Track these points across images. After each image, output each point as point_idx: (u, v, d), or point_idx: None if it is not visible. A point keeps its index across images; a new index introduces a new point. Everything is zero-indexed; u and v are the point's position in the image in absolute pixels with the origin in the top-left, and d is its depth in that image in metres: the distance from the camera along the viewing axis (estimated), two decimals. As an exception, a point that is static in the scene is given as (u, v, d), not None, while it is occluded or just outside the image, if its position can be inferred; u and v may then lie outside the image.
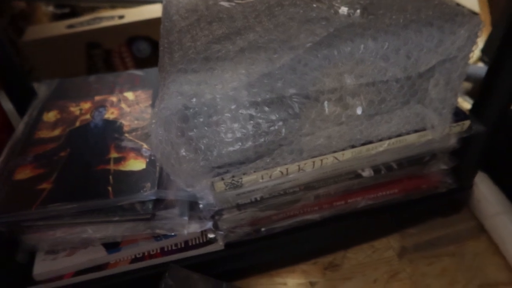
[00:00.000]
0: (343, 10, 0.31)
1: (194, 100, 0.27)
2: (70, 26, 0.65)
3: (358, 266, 0.46)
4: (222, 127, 0.30)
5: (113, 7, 0.86)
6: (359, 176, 0.42)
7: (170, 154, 0.29)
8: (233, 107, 0.30)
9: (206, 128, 0.30)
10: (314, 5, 0.32)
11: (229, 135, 0.31)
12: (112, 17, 0.66)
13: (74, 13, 0.86)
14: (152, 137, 0.29)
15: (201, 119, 0.30)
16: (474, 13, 0.33)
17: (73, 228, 0.38)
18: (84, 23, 0.65)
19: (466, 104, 0.63)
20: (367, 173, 0.42)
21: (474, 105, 0.43)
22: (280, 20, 0.29)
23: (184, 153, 0.30)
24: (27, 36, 0.64)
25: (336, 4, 0.31)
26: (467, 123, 0.41)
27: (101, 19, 0.66)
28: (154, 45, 0.67)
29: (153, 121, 0.28)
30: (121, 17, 0.66)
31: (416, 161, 0.44)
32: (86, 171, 0.41)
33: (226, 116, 0.30)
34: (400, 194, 0.46)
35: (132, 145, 0.44)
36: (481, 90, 0.41)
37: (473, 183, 0.49)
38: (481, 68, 0.64)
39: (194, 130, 0.30)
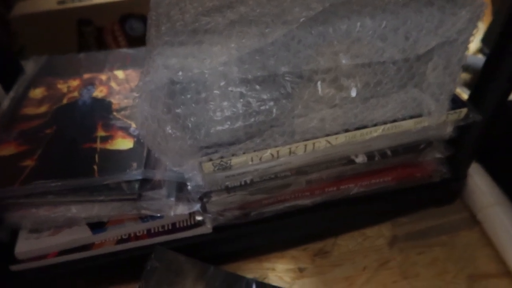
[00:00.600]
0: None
1: (180, 74, 0.26)
2: (61, 2, 0.63)
3: (348, 253, 0.45)
4: (211, 104, 0.29)
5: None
6: (352, 162, 0.41)
7: (157, 131, 0.28)
8: (222, 83, 0.28)
9: (194, 105, 0.29)
10: None
11: (218, 113, 0.30)
12: (104, -6, 0.64)
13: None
14: (137, 113, 0.27)
15: (189, 96, 0.28)
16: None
17: (57, 206, 0.37)
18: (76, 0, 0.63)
19: (464, 95, 0.62)
20: (360, 159, 0.41)
21: (472, 94, 0.42)
22: None
23: (170, 131, 0.29)
24: (16, 11, 0.62)
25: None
26: (464, 111, 0.40)
27: (93, -5, 0.63)
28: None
29: (138, 95, 0.27)
30: (113, -6, 0.64)
31: (411, 149, 0.43)
32: (72, 149, 0.40)
33: (215, 93, 0.29)
34: (393, 182, 0.45)
35: (120, 124, 0.43)
36: (479, 78, 0.40)
37: (467, 173, 0.48)
38: (480, 59, 0.63)
39: (182, 106, 0.29)
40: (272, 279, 0.43)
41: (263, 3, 0.27)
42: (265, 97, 0.30)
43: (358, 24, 0.28)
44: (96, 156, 0.39)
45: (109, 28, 0.63)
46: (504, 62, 0.37)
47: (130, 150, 0.40)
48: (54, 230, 0.40)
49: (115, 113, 0.45)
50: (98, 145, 0.40)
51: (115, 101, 0.46)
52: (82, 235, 0.39)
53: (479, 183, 0.48)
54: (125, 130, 0.42)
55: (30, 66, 0.53)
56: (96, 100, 0.46)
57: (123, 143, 0.40)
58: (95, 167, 0.38)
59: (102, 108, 0.45)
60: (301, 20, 0.26)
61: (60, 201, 0.37)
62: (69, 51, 0.58)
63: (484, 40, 0.65)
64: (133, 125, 0.42)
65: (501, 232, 0.44)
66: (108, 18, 0.63)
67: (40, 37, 0.62)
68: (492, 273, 0.43)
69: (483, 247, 0.45)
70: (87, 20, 0.62)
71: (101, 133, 0.42)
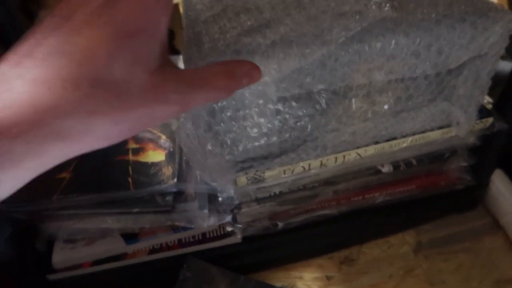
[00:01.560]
0: (375, 2, 0.30)
1: None
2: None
3: (374, 261, 0.46)
4: (248, 121, 0.30)
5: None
6: (378, 172, 0.42)
7: (197, 148, 0.29)
8: (261, 101, 0.29)
9: (233, 122, 0.30)
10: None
11: (255, 130, 0.30)
12: None
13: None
14: (181, 131, 0.28)
15: (229, 114, 0.29)
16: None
17: (92, 218, 0.38)
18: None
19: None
20: (386, 169, 0.42)
21: (497, 102, 0.42)
22: (312, 13, 0.29)
23: (210, 147, 0.30)
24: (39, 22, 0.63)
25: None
26: (490, 120, 0.40)
27: None
28: (170, 33, 0.65)
29: (182, 115, 0.28)
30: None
31: (436, 158, 0.43)
32: (105, 161, 0.41)
33: (254, 111, 0.29)
34: (417, 190, 0.46)
35: (150, 136, 0.44)
36: (505, 87, 0.41)
37: (490, 180, 0.49)
38: (502, 64, 0.63)
39: (221, 124, 0.29)
40: (301, 287, 0.43)
41: (302, 23, 0.28)
42: (300, 113, 0.31)
43: (393, 41, 0.29)
44: (130, 169, 0.40)
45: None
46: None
47: (162, 162, 0.40)
48: (88, 240, 0.41)
49: (143, 125, 0.45)
50: (131, 157, 0.41)
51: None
52: (116, 245, 0.40)
53: (502, 189, 0.49)
54: (156, 142, 0.43)
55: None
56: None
57: (155, 155, 0.41)
58: (130, 179, 0.39)
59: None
60: (341, 40, 0.27)
61: (95, 213, 0.38)
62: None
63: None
64: (163, 137, 0.43)
65: (525, 239, 0.45)
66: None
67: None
68: (517, 279, 0.44)
69: (507, 252, 0.46)
70: None
71: (132, 145, 0.43)
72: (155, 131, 0.44)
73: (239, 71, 0.22)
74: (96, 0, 0.18)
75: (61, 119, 0.16)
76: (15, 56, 0.17)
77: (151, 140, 0.43)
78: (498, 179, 0.49)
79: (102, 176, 0.39)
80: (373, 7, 0.28)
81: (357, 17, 0.27)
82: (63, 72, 0.16)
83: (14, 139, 0.15)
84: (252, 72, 0.22)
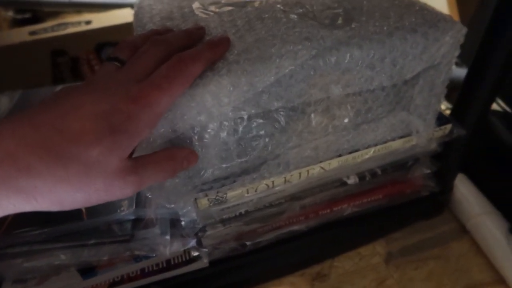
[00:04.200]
0: (326, 17, 0.30)
1: (179, 125, 0.26)
2: (33, 33, 0.61)
3: (346, 275, 0.45)
4: (205, 142, 0.28)
5: (78, 12, 0.82)
6: (344, 183, 0.42)
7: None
8: (216, 123, 0.28)
9: (188, 144, 0.28)
10: (295, 16, 0.31)
11: (213, 152, 0.29)
12: (78, 23, 0.62)
13: (35, 19, 0.81)
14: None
15: (183, 136, 0.28)
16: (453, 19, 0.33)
17: (43, 254, 0.35)
18: (48, 29, 0.61)
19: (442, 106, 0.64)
20: (352, 180, 0.42)
21: (454, 109, 0.43)
22: (261, 35, 0.28)
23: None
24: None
25: (318, 12, 0.30)
26: (448, 127, 0.41)
27: (66, 25, 0.62)
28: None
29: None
30: (88, 22, 0.62)
31: (399, 166, 0.43)
32: (56, 191, 0.38)
33: (210, 133, 0.28)
34: (384, 200, 0.45)
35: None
36: (460, 93, 0.42)
37: (453, 184, 0.49)
38: (456, 70, 0.65)
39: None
40: (273, 308, 0.42)
41: (250, 47, 0.27)
42: (259, 133, 0.30)
43: (348, 55, 0.29)
44: (83, 198, 0.37)
45: (84, 57, 0.61)
46: (484, 77, 0.38)
47: (118, 188, 0.38)
48: (40, 279, 0.37)
49: (99, 149, 0.43)
50: (84, 185, 0.39)
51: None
52: (72, 281, 0.37)
53: (466, 193, 0.49)
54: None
55: (4, 102, 0.51)
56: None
57: (111, 182, 0.39)
58: (83, 209, 0.36)
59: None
60: (288, 70, 0.26)
61: (46, 249, 0.35)
62: (44, 84, 0.56)
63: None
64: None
65: (491, 241, 0.46)
66: (83, 48, 0.61)
67: (13, 70, 0.60)
68: (486, 282, 0.44)
69: (475, 256, 0.46)
70: (61, 50, 0.61)
71: (86, 171, 0.40)
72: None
73: (179, 155, 0.26)
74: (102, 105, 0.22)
75: (29, 177, 0.19)
76: (15, 121, 0.20)
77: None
78: (461, 183, 0.50)
79: (52, 207, 0.36)
80: (323, 22, 0.28)
81: (307, 43, 0.27)
82: (50, 142, 0.20)
83: None
84: (190, 156, 0.27)
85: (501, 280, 0.44)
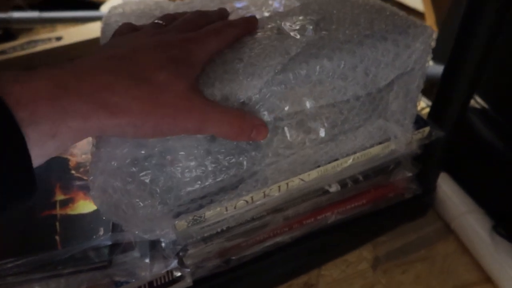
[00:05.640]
0: (294, 29, 0.29)
1: (143, 152, 0.25)
2: (2, 52, 0.59)
3: (334, 283, 0.44)
4: (178, 167, 0.28)
5: (52, 27, 0.80)
6: (326, 192, 0.41)
7: (119, 201, 0.26)
8: (187, 143, 0.27)
9: (158, 170, 0.27)
10: (261, 34, 0.30)
11: (187, 174, 0.28)
12: (49, 39, 0.60)
13: (7, 36, 0.79)
14: (94, 186, 0.25)
15: (153, 161, 0.27)
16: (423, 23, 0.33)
17: (17, 287, 0.34)
18: (18, 47, 0.59)
19: (422, 103, 0.64)
20: (334, 188, 0.41)
21: (431, 111, 0.43)
22: (228, 57, 0.27)
23: (138, 200, 0.27)
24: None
25: (286, 26, 0.30)
26: (427, 129, 0.41)
27: (36, 42, 0.60)
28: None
29: (93, 162, 0.25)
30: (58, 38, 0.60)
31: (381, 171, 0.43)
32: (29, 219, 0.37)
33: (181, 155, 0.27)
34: (368, 205, 0.45)
35: (80, 183, 0.40)
36: (437, 95, 0.42)
37: (436, 185, 0.49)
38: (432, 67, 0.66)
39: (146, 173, 0.27)
40: (261, 324, 0.41)
41: (218, 67, 0.27)
42: (233, 151, 0.29)
43: (317, 67, 0.28)
44: (57, 224, 0.36)
45: (57, 74, 0.60)
46: (460, 77, 0.38)
47: (94, 212, 0.37)
48: (17, 311, 0.36)
49: (73, 172, 0.42)
50: (58, 211, 0.37)
51: (72, 157, 0.43)
52: (50, 312, 0.36)
53: (449, 192, 0.49)
54: (87, 189, 0.39)
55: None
56: (50, 159, 0.43)
57: (86, 206, 0.38)
58: (57, 237, 0.35)
59: (58, 166, 0.42)
60: (256, 90, 0.26)
61: (19, 281, 0.34)
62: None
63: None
64: (95, 184, 0.40)
65: (476, 240, 0.45)
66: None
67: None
68: (473, 282, 0.44)
69: (461, 256, 0.46)
70: (31, 69, 0.59)
71: (60, 196, 0.39)
72: (85, 178, 0.41)
73: (251, 121, 0.26)
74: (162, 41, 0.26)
75: (109, 92, 0.21)
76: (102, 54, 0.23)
77: (81, 188, 0.40)
78: (444, 183, 0.50)
79: (25, 237, 0.35)
80: (287, 43, 0.27)
81: (271, 59, 0.26)
82: (123, 68, 0.22)
83: (76, 97, 0.20)
84: (260, 128, 0.27)
85: (487, 279, 0.44)
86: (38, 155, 0.20)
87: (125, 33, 0.29)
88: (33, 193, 0.21)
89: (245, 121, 0.26)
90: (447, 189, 0.50)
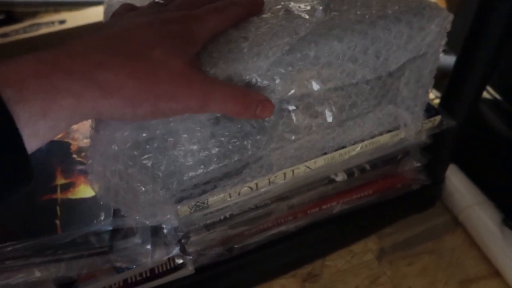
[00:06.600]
0: (303, 10, 0.28)
1: (145, 134, 0.24)
2: (4, 35, 0.58)
3: (338, 274, 0.44)
4: (180, 150, 0.27)
5: (56, 11, 0.79)
6: (332, 181, 0.40)
7: (119, 187, 0.25)
8: (190, 126, 0.26)
9: (161, 153, 0.26)
10: (268, 14, 0.29)
11: (190, 159, 0.27)
12: (52, 23, 0.59)
13: (11, 20, 0.78)
14: (93, 170, 0.24)
15: (155, 144, 0.26)
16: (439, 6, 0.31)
17: (17, 271, 0.33)
18: (20, 30, 0.58)
19: (431, 95, 0.62)
20: (340, 177, 0.40)
21: (443, 98, 0.42)
22: (233, 36, 0.26)
23: (139, 184, 0.26)
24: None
25: (296, 5, 0.28)
26: (438, 118, 0.39)
27: (39, 25, 0.59)
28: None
29: (92, 146, 0.24)
30: (62, 22, 0.59)
31: (389, 161, 0.42)
32: (29, 203, 0.36)
33: (184, 138, 0.26)
34: (375, 195, 0.44)
35: (82, 168, 0.40)
36: (449, 83, 0.40)
37: (445, 176, 0.48)
38: (443, 58, 0.64)
39: (148, 157, 0.26)
40: (263, 313, 0.41)
41: (221, 50, 0.25)
42: (237, 134, 0.28)
43: (327, 48, 0.27)
44: (58, 209, 0.35)
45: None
46: (474, 67, 0.37)
47: (95, 197, 0.36)
48: (17, 296, 0.36)
49: (74, 156, 0.41)
50: (59, 195, 0.37)
51: (74, 141, 0.43)
52: (51, 297, 0.36)
53: (457, 184, 0.48)
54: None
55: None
56: (51, 143, 0.42)
57: (87, 190, 0.37)
58: (57, 221, 0.34)
59: (60, 150, 0.42)
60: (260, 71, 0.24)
61: (19, 265, 0.33)
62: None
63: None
64: (96, 168, 0.39)
65: (484, 232, 0.44)
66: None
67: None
68: (481, 275, 0.43)
69: (469, 249, 0.45)
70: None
71: (60, 180, 0.38)
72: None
73: (255, 97, 0.25)
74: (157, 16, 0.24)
75: (102, 70, 0.20)
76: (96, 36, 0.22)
77: (82, 173, 0.39)
78: (453, 175, 0.49)
79: (25, 222, 0.34)
80: (296, 23, 0.26)
81: (277, 42, 0.25)
82: (117, 45, 0.21)
83: (66, 75, 0.19)
84: (266, 104, 0.25)
85: (496, 273, 0.43)
86: (31, 136, 0.19)
87: (123, 14, 0.28)
88: (30, 179, 0.20)
89: (249, 97, 0.24)
90: (456, 181, 0.48)
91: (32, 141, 0.19)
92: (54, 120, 0.19)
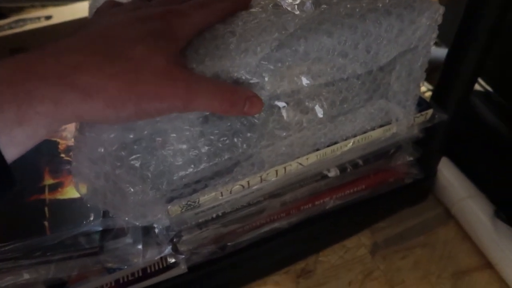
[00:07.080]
0: (292, 4, 0.27)
1: (132, 136, 0.23)
2: (-9, 31, 0.57)
3: (331, 269, 0.44)
4: (169, 150, 0.26)
5: (43, 6, 0.77)
6: (325, 177, 0.40)
7: (106, 188, 0.25)
8: (178, 125, 0.26)
9: (149, 153, 0.26)
10: (256, 9, 0.28)
11: (179, 158, 0.27)
12: (38, 18, 0.58)
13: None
14: (77, 171, 0.24)
15: (143, 144, 0.25)
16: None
17: (4, 274, 0.33)
18: (5, 26, 0.57)
19: (423, 87, 0.62)
20: (333, 173, 0.40)
21: (435, 92, 0.41)
22: (219, 32, 0.25)
23: (128, 185, 0.25)
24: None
25: (284, 2, 0.28)
26: (430, 112, 0.39)
27: (25, 21, 0.57)
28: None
29: (77, 148, 0.24)
30: (48, 17, 0.58)
31: (381, 155, 0.42)
32: (16, 204, 0.35)
33: (172, 137, 0.26)
34: (367, 190, 0.44)
35: (70, 167, 0.39)
36: (441, 75, 0.40)
37: (437, 170, 0.48)
38: (435, 50, 0.64)
39: (136, 157, 0.25)
40: (257, 310, 0.40)
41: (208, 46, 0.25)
42: (227, 132, 0.27)
43: (317, 43, 0.26)
44: (46, 210, 0.35)
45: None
46: (465, 59, 0.36)
47: (84, 197, 0.36)
48: (6, 299, 0.35)
49: (63, 155, 0.40)
50: (47, 195, 0.36)
51: (62, 140, 0.42)
52: (41, 299, 0.35)
53: (450, 177, 0.48)
54: (77, 174, 0.38)
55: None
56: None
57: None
58: (46, 223, 0.34)
59: (48, 150, 0.41)
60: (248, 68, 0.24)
61: (7, 268, 0.33)
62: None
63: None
64: (85, 168, 0.38)
65: (476, 225, 0.45)
66: (43, 44, 0.57)
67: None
68: (473, 267, 0.43)
69: (461, 242, 0.46)
70: (19, 49, 0.57)
71: (48, 180, 0.37)
72: (75, 162, 0.39)
73: (243, 93, 0.24)
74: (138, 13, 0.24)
75: (80, 72, 0.19)
76: (73, 37, 0.21)
77: (71, 172, 0.38)
78: (445, 168, 0.49)
79: (12, 222, 0.34)
80: (285, 18, 0.25)
81: (265, 37, 0.24)
82: (95, 45, 0.21)
83: (41, 80, 0.18)
84: (254, 100, 0.24)
85: (488, 264, 0.43)
86: (8, 144, 0.18)
87: (106, 10, 0.27)
88: (12, 184, 0.20)
89: (236, 94, 0.23)
90: (448, 174, 0.48)
91: (11, 149, 0.18)
92: (32, 127, 0.18)
